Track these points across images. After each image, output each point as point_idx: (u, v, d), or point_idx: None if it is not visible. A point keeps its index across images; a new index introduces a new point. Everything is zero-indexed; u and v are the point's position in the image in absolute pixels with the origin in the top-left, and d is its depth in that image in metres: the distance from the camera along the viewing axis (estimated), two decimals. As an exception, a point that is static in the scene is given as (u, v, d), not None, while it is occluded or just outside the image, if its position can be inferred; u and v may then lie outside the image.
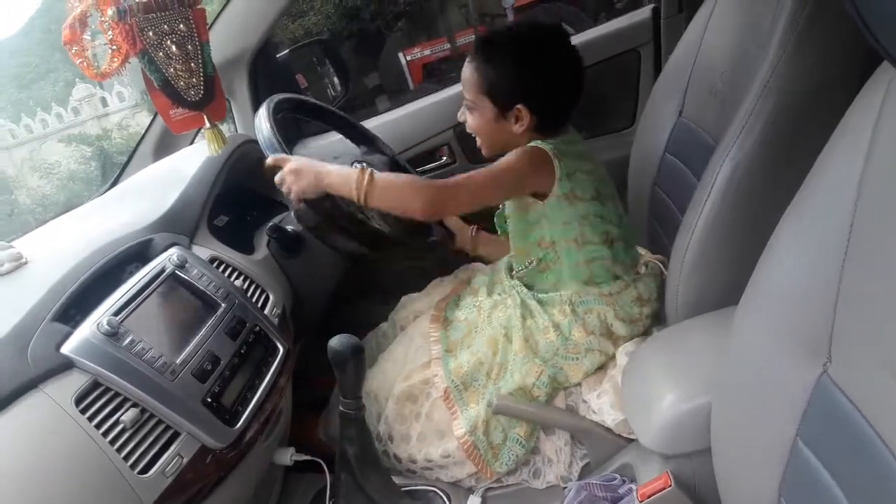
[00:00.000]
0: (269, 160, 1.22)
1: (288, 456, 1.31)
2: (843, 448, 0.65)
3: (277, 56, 1.89)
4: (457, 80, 1.76)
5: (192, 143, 1.84)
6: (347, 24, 7.34)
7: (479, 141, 1.31)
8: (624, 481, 1.13)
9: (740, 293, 0.85)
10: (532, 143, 1.22)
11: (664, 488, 0.96)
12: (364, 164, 1.33)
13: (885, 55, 0.50)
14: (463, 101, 1.28)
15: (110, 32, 0.93)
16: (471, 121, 1.28)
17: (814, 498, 0.69)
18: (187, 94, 1.01)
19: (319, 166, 1.18)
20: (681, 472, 0.98)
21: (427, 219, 1.31)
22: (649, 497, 0.97)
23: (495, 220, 1.42)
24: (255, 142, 1.60)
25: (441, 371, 1.28)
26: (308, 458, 1.32)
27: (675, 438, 0.97)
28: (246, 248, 1.43)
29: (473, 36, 6.88)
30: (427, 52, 6.92)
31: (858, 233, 0.64)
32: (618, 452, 1.18)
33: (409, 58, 7.03)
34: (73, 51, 0.92)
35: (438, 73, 6.69)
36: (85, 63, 0.94)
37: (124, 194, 1.48)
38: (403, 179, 1.22)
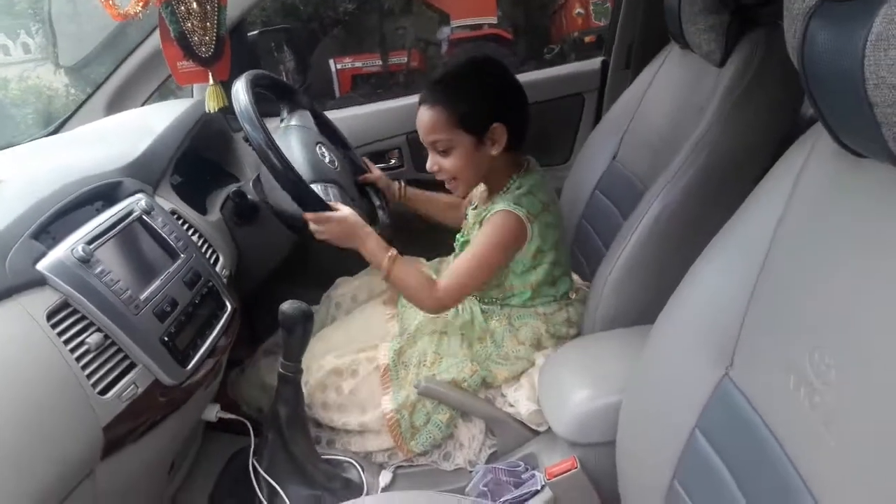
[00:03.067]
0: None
1: (214, 412, 1.36)
2: (736, 438, 0.76)
3: (249, 35, 1.94)
4: (385, 96, 2.00)
5: (143, 104, 1.84)
6: (281, 20, 7.29)
7: (454, 184, 1.33)
8: (527, 468, 1.25)
9: (654, 314, 0.97)
10: (506, 209, 1.25)
11: (570, 469, 1.10)
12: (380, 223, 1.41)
13: (819, 117, 0.66)
14: (431, 148, 1.30)
15: (140, -22, 0.99)
16: (449, 163, 1.29)
17: (705, 481, 0.80)
18: (199, 49, 1.07)
19: (361, 230, 1.28)
20: (584, 460, 1.11)
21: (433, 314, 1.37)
22: (556, 476, 1.11)
23: (456, 245, 1.47)
24: (219, 112, 1.65)
25: (387, 349, 1.36)
26: (233, 417, 1.37)
27: (585, 429, 1.10)
28: (199, 209, 1.47)
29: (406, 58, 7.04)
30: (359, 63, 6.98)
31: (770, 265, 0.78)
32: (525, 443, 1.30)
33: (339, 66, 7.06)
34: (100, -12, 0.97)
35: (366, 87, 6.76)
36: (110, 2, 0.99)
37: (89, 136, 1.48)
38: (417, 279, 1.29)
